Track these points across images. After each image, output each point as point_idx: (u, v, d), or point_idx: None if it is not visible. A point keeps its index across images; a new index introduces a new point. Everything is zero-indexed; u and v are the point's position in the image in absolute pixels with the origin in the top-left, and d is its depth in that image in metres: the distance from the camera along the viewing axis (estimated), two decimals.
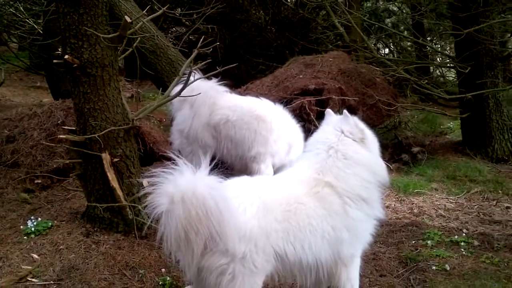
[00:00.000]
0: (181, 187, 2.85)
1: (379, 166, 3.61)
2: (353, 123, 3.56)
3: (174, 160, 2.94)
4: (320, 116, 7.08)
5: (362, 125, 3.64)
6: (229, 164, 6.21)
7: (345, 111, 3.73)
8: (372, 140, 3.67)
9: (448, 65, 11.02)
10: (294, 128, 5.94)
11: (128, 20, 4.33)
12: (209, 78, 5.59)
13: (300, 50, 12.80)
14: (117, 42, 4.51)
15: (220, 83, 6.06)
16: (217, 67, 4.81)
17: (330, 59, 7.62)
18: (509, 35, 9.48)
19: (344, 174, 3.40)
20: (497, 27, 6.51)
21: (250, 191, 3.18)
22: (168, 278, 4.09)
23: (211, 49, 5.41)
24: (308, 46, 12.53)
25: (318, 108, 6.71)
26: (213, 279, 3.02)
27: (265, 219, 3.07)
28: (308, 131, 7.33)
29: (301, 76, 7.17)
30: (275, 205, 3.15)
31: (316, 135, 3.72)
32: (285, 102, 6.72)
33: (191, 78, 4.62)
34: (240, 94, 7.40)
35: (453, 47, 9.64)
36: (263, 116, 5.78)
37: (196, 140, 5.89)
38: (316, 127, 6.94)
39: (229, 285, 3.01)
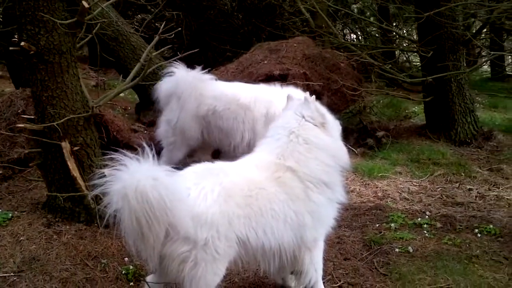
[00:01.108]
0: (125, 184, 2.79)
1: (340, 151, 3.64)
2: (314, 108, 3.57)
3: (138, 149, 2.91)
4: None
5: (323, 110, 3.66)
6: (230, 155, 6.12)
7: (305, 95, 3.74)
8: (333, 124, 3.69)
9: (412, 49, 11.10)
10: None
11: (86, 5, 4.23)
12: (192, 67, 5.55)
13: (267, 37, 12.73)
14: (75, 28, 4.41)
15: (204, 71, 5.99)
16: (178, 53, 4.75)
17: (295, 45, 7.61)
18: (473, 19, 9.55)
19: (305, 158, 3.41)
20: (459, 10, 6.54)
21: (210, 177, 3.15)
22: (131, 267, 4.03)
23: (177, 36, 5.36)
24: (275, 32, 12.48)
25: None
26: (175, 267, 3.00)
27: (227, 204, 3.05)
28: None
29: (265, 62, 7.14)
30: (236, 191, 3.14)
31: (277, 121, 3.71)
32: None
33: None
34: None
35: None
36: (247, 104, 5.69)
37: (183, 132, 5.82)
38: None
39: (191, 272, 3.00)
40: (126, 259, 4.18)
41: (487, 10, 6.71)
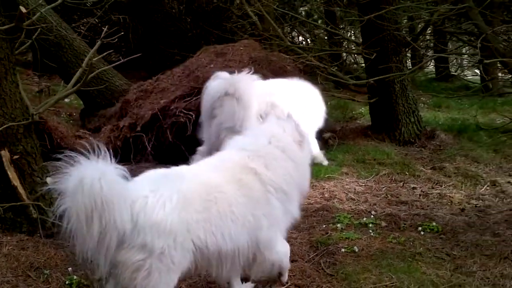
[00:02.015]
0: (73, 180, 2.76)
1: (307, 173, 3.81)
2: (294, 126, 3.70)
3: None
4: None
5: (302, 130, 3.77)
6: None
7: (289, 112, 3.89)
8: (308, 146, 3.85)
9: (356, 52, 11.28)
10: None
11: (24, 10, 4.13)
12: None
13: (216, 40, 12.74)
14: (13, 34, 4.30)
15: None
16: (121, 58, 4.68)
17: (241, 48, 7.61)
18: (417, 21, 9.77)
19: (276, 164, 3.48)
20: (400, 13, 6.68)
21: (168, 184, 3.13)
22: (75, 277, 3.94)
23: (124, 40, 5.31)
24: (223, 35, 12.49)
25: None
26: (128, 275, 2.95)
27: (185, 211, 3.04)
28: None
29: (212, 66, 7.12)
30: (195, 196, 3.13)
31: (260, 126, 3.80)
32: (196, 92, 6.67)
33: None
34: (151, 85, 7.29)
35: None
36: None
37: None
38: None
39: (143, 282, 2.96)
40: (69, 269, 4.07)
41: (428, 13, 6.87)
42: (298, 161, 3.63)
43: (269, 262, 3.58)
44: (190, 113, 6.45)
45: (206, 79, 6.81)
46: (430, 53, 14.38)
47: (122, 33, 5.94)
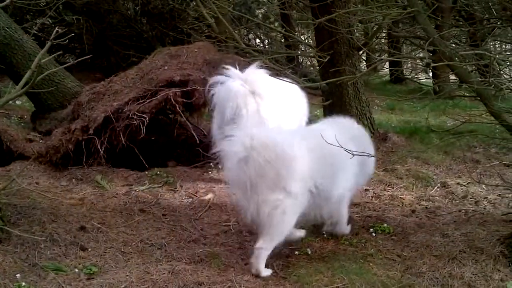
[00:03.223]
0: (254, 137, 3.96)
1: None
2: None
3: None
4: (187, 108, 7.09)
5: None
6: None
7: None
8: None
9: (310, 55, 11.37)
10: None
11: None
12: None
13: (172, 42, 12.67)
14: None
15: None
16: (70, 59, 4.59)
17: (196, 50, 7.55)
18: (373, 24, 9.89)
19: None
20: (349, 17, 6.75)
21: (310, 138, 4.28)
22: (23, 284, 3.85)
23: (79, 41, 5.20)
24: (180, 37, 12.43)
25: (184, 100, 6.68)
26: (266, 211, 4.02)
27: (312, 162, 4.13)
28: (175, 123, 7.31)
29: (166, 68, 7.04)
30: (317, 149, 4.19)
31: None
32: (150, 94, 6.61)
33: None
34: (104, 87, 7.19)
35: None
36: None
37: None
38: (183, 119, 6.97)
39: (279, 217, 4.04)
40: (18, 275, 3.98)
41: (380, 17, 6.96)
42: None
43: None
44: (144, 115, 6.37)
45: (160, 81, 6.77)
46: (384, 56, 14.60)
47: (73, 34, 5.79)
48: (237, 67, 5.91)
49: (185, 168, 6.66)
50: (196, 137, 6.81)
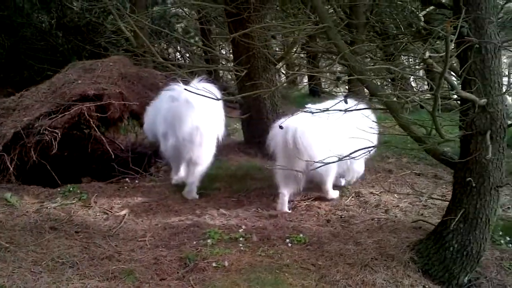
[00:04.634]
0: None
1: None
2: None
3: None
4: (103, 123, 6.96)
5: None
6: None
7: None
8: None
9: (227, 69, 11.46)
10: None
11: None
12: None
13: (89, 55, 12.40)
14: None
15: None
16: None
17: (111, 64, 7.44)
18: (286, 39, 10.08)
19: None
20: (264, 32, 6.87)
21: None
22: None
23: None
24: (97, 51, 12.18)
25: (99, 114, 6.57)
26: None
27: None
28: (90, 138, 7.15)
29: (80, 82, 6.89)
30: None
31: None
32: (63, 109, 6.44)
33: None
34: (14, 102, 6.94)
35: None
36: None
37: None
38: (98, 134, 6.83)
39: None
40: None
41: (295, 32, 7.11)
42: None
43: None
44: (56, 130, 6.20)
45: (73, 95, 6.63)
46: (302, 70, 14.92)
47: None
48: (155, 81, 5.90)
49: (100, 184, 6.50)
50: (111, 152, 6.67)
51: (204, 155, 6.35)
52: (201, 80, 6.27)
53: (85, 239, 5.09)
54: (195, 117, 6.04)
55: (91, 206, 5.86)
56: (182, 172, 6.62)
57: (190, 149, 6.19)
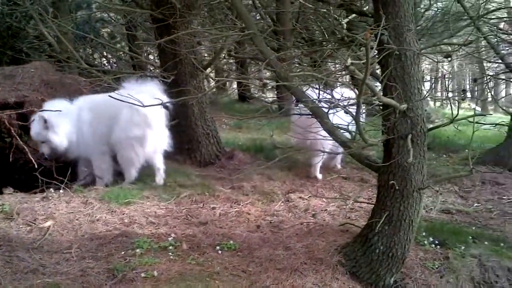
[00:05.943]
0: None
1: None
2: None
3: None
4: (25, 131, 6.71)
5: None
6: None
7: None
8: None
9: (154, 75, 11.34)
10: None
11: None
12: None
13: (10, 61, 11.93)
14: None
15: None
16: None
17: (32, 70, 7.20)
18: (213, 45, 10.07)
19: None
20: (189, 38, 6.87)
21: None
22: None
23: None
24: (18, 56, 11.74)
25: (20, 122, 6.35)
26: None
27: None
28: (11, 147, 6.87)
29: None
30: None
31: None
32: None
33: None
34: None
35: None
36: None
37: None
38: (20, 143, 6.58)
39: None
40: None
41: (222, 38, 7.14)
42: None
43: None
44: None
45: None
46: (232, 76, 14.98)
47: None
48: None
49: (22, 195, 6.24)
50: (34, 162, 6.43)
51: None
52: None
53: (7, 253, 4.88)
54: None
55: (13, 218, 5.62)
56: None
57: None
